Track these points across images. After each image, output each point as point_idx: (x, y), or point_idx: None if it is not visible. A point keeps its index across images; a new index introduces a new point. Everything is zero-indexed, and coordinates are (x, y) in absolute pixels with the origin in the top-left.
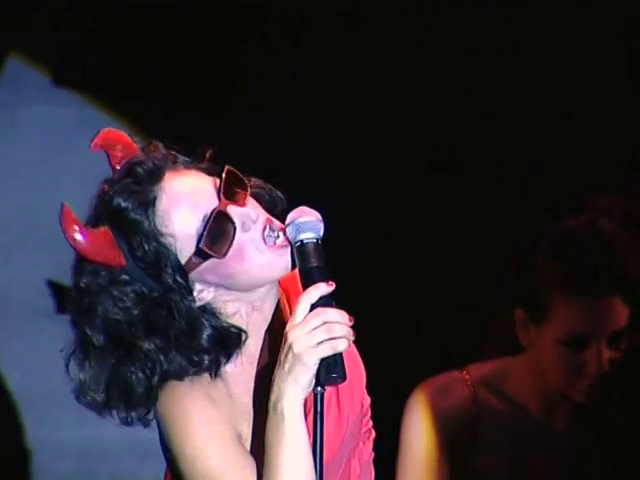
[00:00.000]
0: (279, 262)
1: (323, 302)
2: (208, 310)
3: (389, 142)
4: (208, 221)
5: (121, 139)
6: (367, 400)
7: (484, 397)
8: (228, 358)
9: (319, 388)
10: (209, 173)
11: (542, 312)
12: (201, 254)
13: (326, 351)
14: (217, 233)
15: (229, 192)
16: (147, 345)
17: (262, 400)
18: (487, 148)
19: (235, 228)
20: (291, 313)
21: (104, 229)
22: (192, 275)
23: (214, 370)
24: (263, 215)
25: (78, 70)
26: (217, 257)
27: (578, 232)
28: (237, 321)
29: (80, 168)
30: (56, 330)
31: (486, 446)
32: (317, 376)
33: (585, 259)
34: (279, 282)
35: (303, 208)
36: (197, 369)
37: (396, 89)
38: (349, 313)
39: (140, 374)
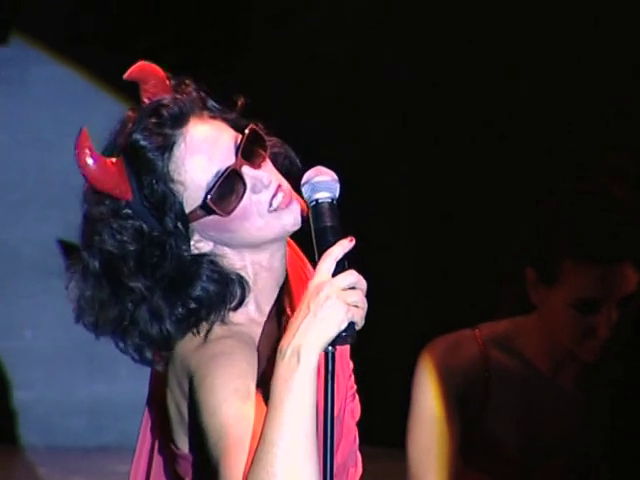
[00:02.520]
0: (275, 224)
1: (341, 263)
2: (207, 260)
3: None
4: (220, 177)
5: (156, 74)
6: (351, 362)
7: (495, 355)
8: (231, 305)
9: (330, 347)
10: (234, 125)
11: (552, 275)
12: (206, 208)
13: (358, 316)
14: (226, 191)
15: (247, 152)
16: (133, 283)
17: (267, 364)
18: (506, 111)
19: (245, 189)
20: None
21: (118, 160)
22: (193, 225)
23: (218, 317)
24: (276, 181)
25: (89, 26)
26: (221, 215)
27: (589, 197)
28: (243, 274)
29: (91, 126)
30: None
31: (497, 404)
32: None
33: (596, 225)
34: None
35: (319, 168)
36: (196, 317)
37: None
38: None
39: (125, 309)
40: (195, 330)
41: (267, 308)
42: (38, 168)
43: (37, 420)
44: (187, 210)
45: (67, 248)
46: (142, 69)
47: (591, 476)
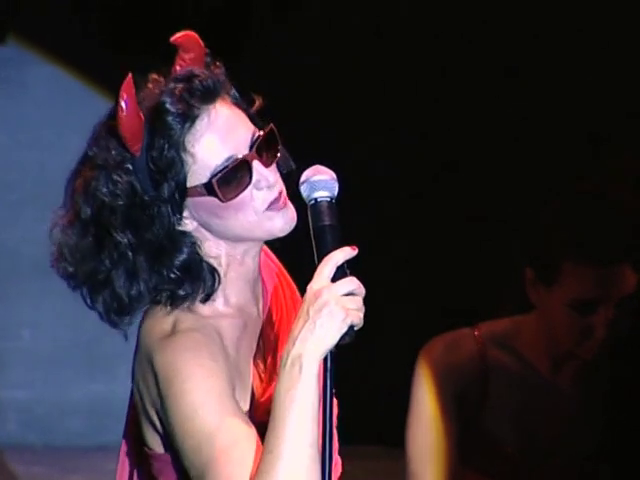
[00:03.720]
0: (266, 224)
1: (341, 268)
2: (188, 238)
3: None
4: (230, 163)
5: (199, 46)
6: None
7: (494, 354)
8: (202, 293)
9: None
10: (251, 120)
11: (551, 275)
12: (208, 188)
13: (357, 320)
14: (232, 178)
15: (262, 148)
16: (119, 237)
17: (246, 360)
18: (506, 109)
19: (250, 183)
20: (266, 289)
21: (141, 114)
22: (187, 200)
23: (186, 301)
24: (280, 185)
25: (88, 27)
26: (220, 199)
27: (589, 198)
28: (215, 264)
29: (89, 126)
30: (65, 289)
31: (495, 403)
32: None
33: (595, 226)
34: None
35: (318, 167)
36: (169, 291)
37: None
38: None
39: (107, 263)
40: (164, 301)
41: (234, 302)
42: (37, 168)
43: (36, 420)
44: (189, 184)
45: None
46: (189, 38)
47: (589, 475)
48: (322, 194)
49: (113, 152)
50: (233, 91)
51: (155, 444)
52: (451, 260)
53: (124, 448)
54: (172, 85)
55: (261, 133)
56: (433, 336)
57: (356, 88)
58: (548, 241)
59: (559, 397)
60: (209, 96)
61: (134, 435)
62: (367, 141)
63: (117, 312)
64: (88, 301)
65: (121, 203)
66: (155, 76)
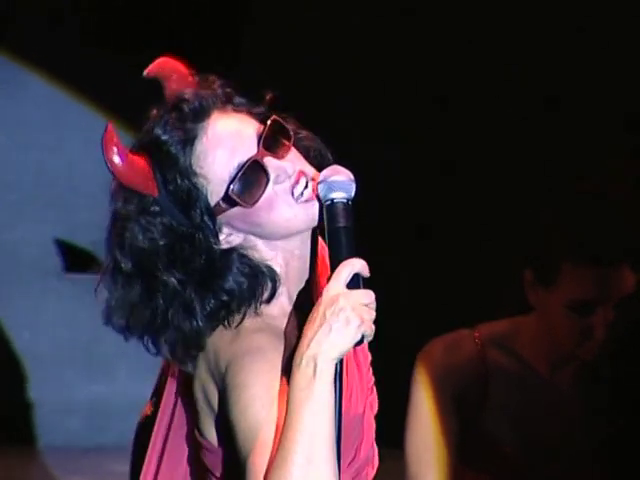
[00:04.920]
0: (305, 215)
1: (355, 278)
2: (237, 254)
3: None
4: (241, 168)
5: (177, 69)
6: (369, 354)
7: (493, 355)
8: (262, 298)
9: None
10: (261, 118)
11: (550, 276)
12: (229, 200)
13: (370, 330)
14: (248, 182)
15: (269, 142)
16: (166, 277)
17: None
18: (505, 109)
19: (268, 180)
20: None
21: (144, 156)
22: (220, 218)
23: (250, 310)
24: (298, 168)
25: (87, 27)
26: (244, 206)
27: (588, 198)
28: (274, 266)
29: (87, 128)
30: (64, 289)
31: (495, 404)
32: None
33: (594, 227)
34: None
35: (336, 167)
36: (226, 310)
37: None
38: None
39: (158, 307)
40: (226, 323)
41: (298, 297)
42: (37, 169)
43: (36, 420)
44: (212, 203)
45: (65, 248)
46: (162, 65)
47: (589, 476)
48: (339, 195)
49: (135, 200)
50: (235, 98)
51: (209, 434)
52: (451, 260)
53: (162, 426)
54: (163, 116)
55: (264, 127)
56: (432, 337)
57: (356, 88)
58: (547, 242)
59: (559, 398)
60: (201, 114)
61: (184, 419)
62: (367, 141)
63: (184, 349)
64: (152, 348)
65: (162, 244)
66: (154, 111)
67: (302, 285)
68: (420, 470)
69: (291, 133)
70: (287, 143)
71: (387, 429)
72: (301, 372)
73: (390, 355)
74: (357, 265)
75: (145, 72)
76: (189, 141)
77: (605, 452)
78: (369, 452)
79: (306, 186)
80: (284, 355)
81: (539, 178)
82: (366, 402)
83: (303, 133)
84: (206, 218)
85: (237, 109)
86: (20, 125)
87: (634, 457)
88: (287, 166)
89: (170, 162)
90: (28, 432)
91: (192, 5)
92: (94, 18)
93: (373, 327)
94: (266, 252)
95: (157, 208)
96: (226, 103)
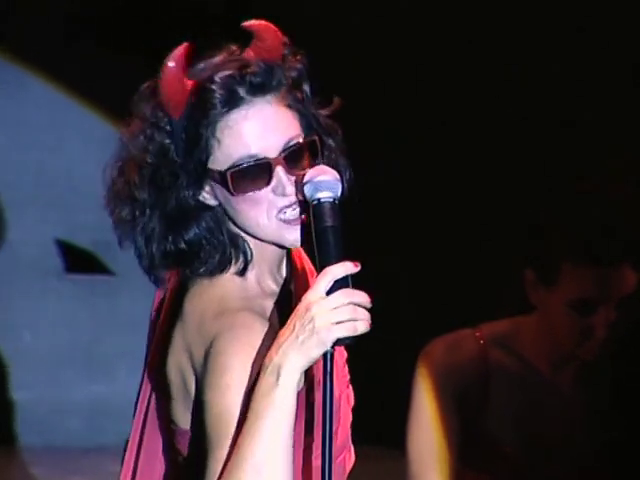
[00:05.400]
0: (276, 233)
1: (343, 280)
2: (211, 215)
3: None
4: (251, 161)
5: (275, 37)
6: (345, 352)
7: (495, 355)
8: (234, 266)
9: (329, 348)
10: (308, 123)
11: (551, 276)
12: (222, 178)
13: (346, 331)
14: (248, 176)
15: (293, 157)
16: (138, 193)
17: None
18: (505, 109)
19: (268, 185)
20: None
21: (192, 81)
22: (208, 180)
23: (215, 271)
24: (296, 201)
25: (87, 28)
26: (230, 192)
27: (588, 198)
28: (245, 240)
29: (87, 129)
30: (64, 289)
31: (496, 404)
32: None
33: (595, 226)
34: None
35: (322, 167)
36: (183, 260)
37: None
38: (365, 288)
39: (127, 214)
40: (185, 271)
41: (272, 283)
42: (37, 169)
43: (36, 420)
44: (208, 165)
45: (66, 248)
46: (265, 27)
47: (589, 477)
48: (325, 195)
49: (157, 111)
50: (298, 92)
51: (182, 420)
52: (451, 261)
53: (138, 420)
54: (227, 68)
55: (300, 141)
56: (433, 337)
57: (356, 88)
58: (547, 242)
59: (560, 398)
60: (256, 90)
61: (162, 414)
62: (366, 141)
63: (141, 265)
64: (120, 243)
65: (149, 161)
66: (232, 47)
67: (267, 273)
68: (421, 470)
69: (319, 161)
70: (308, 166)
71: (387, 429)
72: (266, 379)
73: (390, 355)
74: (336, 271)
75: (245, 24)
76: (229, 105)
77: (606, 452)
78: (345, 440)
79: (293, 213)
80: (265, 340)
81: (539, 178)
82: (341, 394)
83: (334, 155)
84: (198, 169)
85: (292, 105)
86: (20, 125)
87: (635, 458)
88: (289, 186)
89: (204, 106)
90: (28, 432)
91: (192, 5)
92: (94, 18)
93: (356, 325)
94: (238, 229)
95: (168, 128)
96: (287, 93)
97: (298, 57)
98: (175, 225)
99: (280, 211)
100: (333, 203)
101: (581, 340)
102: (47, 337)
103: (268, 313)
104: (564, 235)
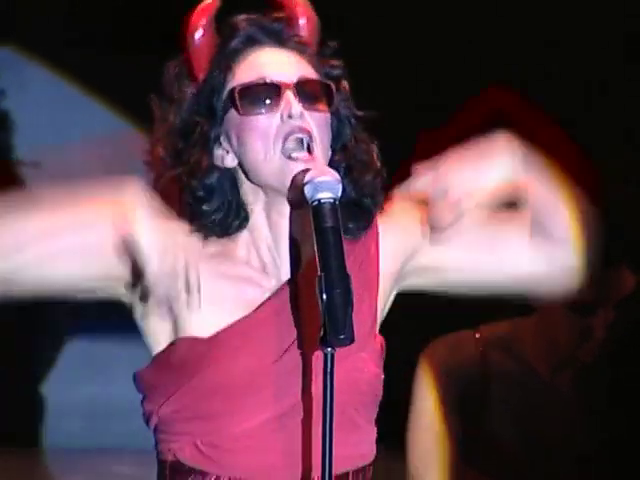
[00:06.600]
0: (280, 169)
1: (347, 289)
2: (227, 174)
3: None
4: (261, 81)
5: (310, 18)
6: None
7: (495, 357)
8: (223, 225)
9: (329, 349)
10: (329, 75)
11: None
12: (231, 97)
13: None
14: (256, 95)
15: (305, 89)
16: (165, 144)
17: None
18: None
19: (276, 108)
20: None
21: (216, 40)
22: (223, 126)
23: (208, 227)
24: (304, 125)
25: (87, 29)
26: (238, 110)
27: (588, 198)
28: (251, 209)
29: (89, 127)
30: None
31: (496, 405)
32: (325, 337)
33: (594, 227)
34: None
35: (322, 167)
36: (194, 209)
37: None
38: None
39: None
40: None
41: (263, 255)
42: (36, 169)
43: (36, 421)
44: (224, 98)
45: None
46: (298, 2)
47: (589, 477)
48: (326, 195)
49: (185, 81)
50: (321, 58)
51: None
52: None
53: None
54: (254, 17)
55: (314, 78)
56: (434, 338)
57: (356, 88)
58: None
59: (559, 399)
60: (277, 37)
61: None
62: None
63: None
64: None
65: (177, 122)
66: (245, 16)
67: (285, 249)
68: (422, 470)
69: (334, 100)
70: (321, 107)
71: (387, 429)
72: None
73: (390, 355)
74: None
75: None
76: (252, 43)
77: (605, 453)
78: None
79: (300, 147)
80: (145, 228)
81: None
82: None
83: (362, 140)
84: (218, 108)
85: (319, 70)
86: (20, 125)
87: (634, 458)
88: (296, 107)
89: (226, 50)
90: (28, 433)
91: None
92: (94, 18)
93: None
94: (248, 195)
95: (193, 91)
96: (312, 57)
97: (322, 39)
98: (191, 177)
99: (286, 140)
100: (333, 204)
101: (580, 342)
102: (47, 337)
103: (179, 236)
104: None
